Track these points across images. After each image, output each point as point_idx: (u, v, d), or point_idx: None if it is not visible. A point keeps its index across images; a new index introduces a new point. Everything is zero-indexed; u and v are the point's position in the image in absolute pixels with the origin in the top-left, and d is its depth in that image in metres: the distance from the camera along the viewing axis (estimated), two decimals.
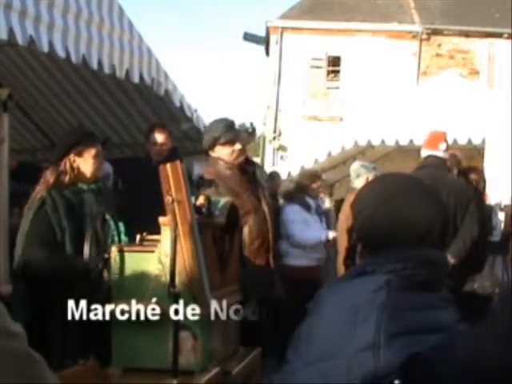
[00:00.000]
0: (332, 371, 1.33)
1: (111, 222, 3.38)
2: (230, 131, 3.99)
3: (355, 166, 6.23)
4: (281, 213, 6.05)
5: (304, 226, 6.06)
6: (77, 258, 3.12)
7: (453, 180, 4.96)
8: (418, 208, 1.47)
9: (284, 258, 5.74)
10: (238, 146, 3.97)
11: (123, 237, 3.38)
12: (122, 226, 3.42)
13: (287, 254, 5.88)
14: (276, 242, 4.31)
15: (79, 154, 3.36)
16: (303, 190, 6.30)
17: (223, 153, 3.99)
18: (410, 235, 1.45)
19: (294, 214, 6.08)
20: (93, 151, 3.38)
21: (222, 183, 3.83)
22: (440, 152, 4.88)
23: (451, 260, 4.48)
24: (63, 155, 3.36)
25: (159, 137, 4.96)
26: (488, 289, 4.80)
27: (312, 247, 6.06)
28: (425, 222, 1.46)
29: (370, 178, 5.53)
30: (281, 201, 6.38)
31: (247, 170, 4.07)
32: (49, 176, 3.32)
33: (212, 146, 4.02)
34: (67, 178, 3.31)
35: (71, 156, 3.35)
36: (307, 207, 6.23)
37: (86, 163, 3.36)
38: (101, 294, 2.75)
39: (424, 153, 5.01)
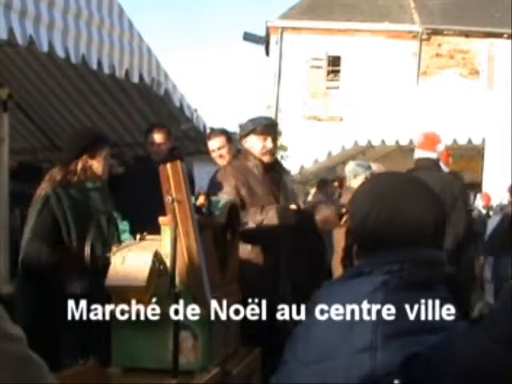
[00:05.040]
0: (330, 372, 1.33)
1: (116, 221, 3.40)
2: (268, 126, 3.98)
3: (351, 166, 6.24)
4: None
5: None
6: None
7: (440, 178, 4.95)
8: (415, 207, 1.45)
9: None
10: (269, 144, 3.92)
11: (127, 235, 3.39)
12: (126, 225, 3.44)
13: None
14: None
15: (92, 157, 3.40)
16: None
17: (255, 146, 3.92)
18: (407, 234, 1.44)
19: None
20: (103, 153, 3.44)
21: (241, 176, 3.83)
22: (429, 153, 4.93)
23: None
24: (75, 157, 3.37)
25: (157, 137, 4.97)
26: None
27: None
28: (421, 221, 1.44)
29: (366, 176, 5.54)
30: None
31: (274, 170, 4.01)
32: (56, 174, 3.32)
33: (246, 136, 3.97)
34: (75, 178, 3.33)
35: (84, 158, 3.37)
36: None
37: (98, 164, 3.41)
38: (102, 293, 2.75)
39: (416, 154, 5.06)
